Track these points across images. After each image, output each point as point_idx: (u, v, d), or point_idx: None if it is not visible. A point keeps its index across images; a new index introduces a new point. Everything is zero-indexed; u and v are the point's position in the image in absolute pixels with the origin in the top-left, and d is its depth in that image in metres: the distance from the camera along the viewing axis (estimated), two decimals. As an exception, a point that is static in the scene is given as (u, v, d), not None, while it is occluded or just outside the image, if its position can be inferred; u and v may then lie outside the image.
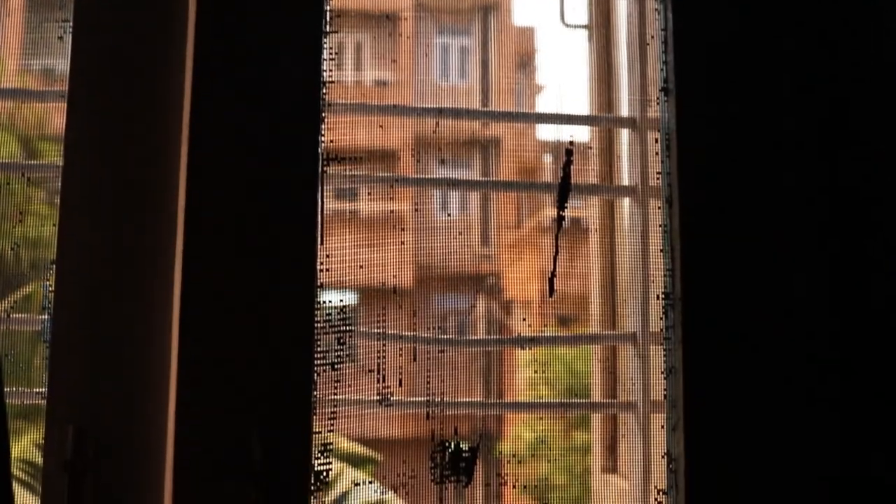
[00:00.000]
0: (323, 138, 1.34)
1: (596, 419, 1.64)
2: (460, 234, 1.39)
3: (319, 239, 1.35)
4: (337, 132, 1.36)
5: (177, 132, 1.35)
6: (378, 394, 1.36)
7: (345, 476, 1.52)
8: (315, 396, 1.33)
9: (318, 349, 1.34)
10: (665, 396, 1.41)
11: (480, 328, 1.51)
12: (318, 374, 1.33)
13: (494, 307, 1.50)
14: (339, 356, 1.34)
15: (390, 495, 1.39)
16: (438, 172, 1.44)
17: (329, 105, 1.38)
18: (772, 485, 1.36)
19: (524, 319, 1.44)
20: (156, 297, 1.33)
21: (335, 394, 1.35)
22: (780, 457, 1.37)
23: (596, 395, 1.58)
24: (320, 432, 1.33)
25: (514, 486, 1.38)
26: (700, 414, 1.38)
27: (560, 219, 1.42)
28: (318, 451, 1.32)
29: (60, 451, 1.27)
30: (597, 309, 1.54)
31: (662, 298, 1.43)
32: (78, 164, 1.33)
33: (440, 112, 1.43)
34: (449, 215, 1.43)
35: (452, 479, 1.36)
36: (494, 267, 1.49)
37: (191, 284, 1.30)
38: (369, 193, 1.40)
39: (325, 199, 1.35)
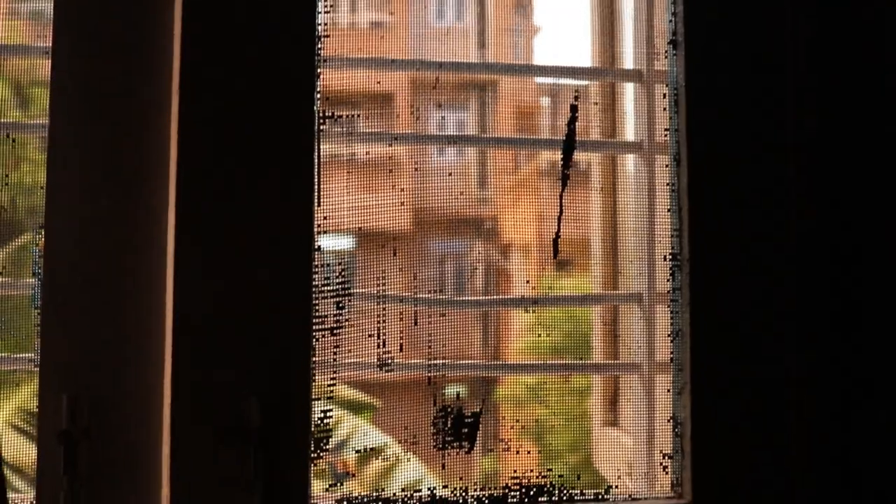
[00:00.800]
0: (320, 85, 1.29)
1: (611, 351, 1.61)
2: (451, 175, 1.35)
3: (316, 200, 1.31)
4: (332, 76, 1.30)
5: (167, 84, 1.30)
6: (378, 358, 1.33)
7: (344, 423, 1.49)
8: (314, 362, 1.29)
9: (317, 314, 1.30)
10: (671, 359, 1.38)
11: (478, 274, 1.47)
12: (317, 340, 1.30)
13: (493, 251, 1.46)
14: (338, 321, 1.31)
15: (390, 440, 1.37)
16: (435, 116, 1.40)
17: (325, 60, 1.32)
18: (779, 451, 1.34)
19: (528, 282, 1.40)
20: (150, 260, 1.29)
21: (335, 359, 1.31)
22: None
23: (598, 355, 1.55)
24: (320, 399, 1.30)
25: (511, 428, 1.36)
26: (707, 377, 1.35)
27: (565, 178, 1.38)
28: (318, 418, 1.29)
29: (55, 420, 1.24)
30: (598, 270, 1.50)
31: (669, 259, 1.39)
32: (64, 120, 1.28)
33: (440, 66, 1.37)
34: (446, 160, 1.38)
35: (455, 444, 1.33)
36: (492, 211, 1.45)
37: (185, 248, 1.26)
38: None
39: (321, 157, 1.30)
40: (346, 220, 1.31)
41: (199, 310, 1.26)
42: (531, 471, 1.34)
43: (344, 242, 1.34)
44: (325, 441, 1.29)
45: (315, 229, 1.30)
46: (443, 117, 1.39)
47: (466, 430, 1.33)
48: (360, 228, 1.32)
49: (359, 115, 1.36)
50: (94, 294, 1.27)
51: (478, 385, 1.41)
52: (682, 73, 1.38)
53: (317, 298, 1.30)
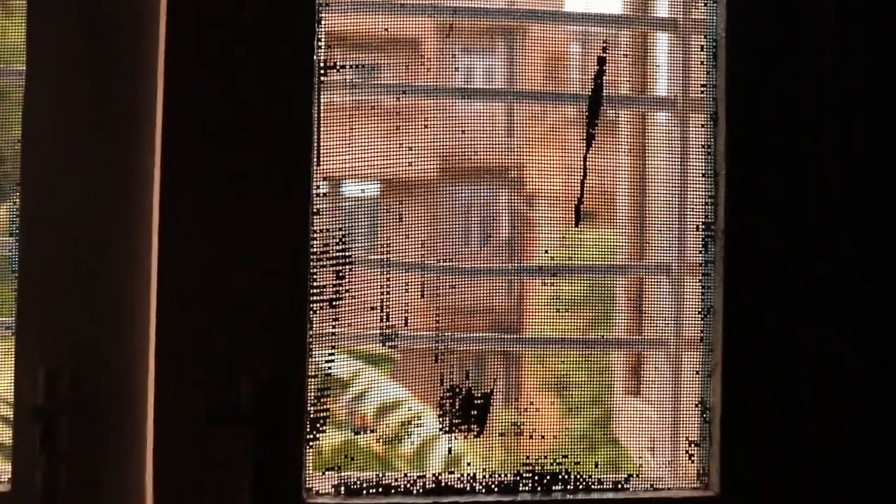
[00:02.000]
0: (321, 32, 1.17)
1: (635, 326, 1.49)
2: (481, 123, 1.23)
3: (316, 160, 1.19)
4: (347, 18, 1.18)
5: (154, 35, 1.18)
6: (381, 333, 1.22)
7: (361, 377, 1.39)
8: (311, 336, 1.19)
9: (315, 284, 1.19)
10: (701, 339, 1.27)
11: (502, 226, 1.35)
12: (315, 312, 1.19)
13: (517, 200, 1.34)
14: (337, 292, 1.20)
15: (407, 394, 1.27)
16: (462, 62, 1.27)
17: (326, 4, 1.19)
18: (822, 446, 1.23)
19: (546, 251, 1.28)
20: (136, 225, 1.18)
21: (334, 332, 1.21)
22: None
23: (620, 326, 1.43)
24: (317, 376, 1.19)
25: (525, 410, 1.26)
26: (741, 360, 1.24)
27: (589, 137, 1.25)
28: (315, 397, 1.19)
29: (32, 394, 1.14)
30: (624, 237, 1.38)
31: (702, 230, 1.27)
32: (41, 68, 1.17)
33: (454, 11, 1.24)
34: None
35: (463, 428, 1.23)
36: (517, 159, 1.33)
37: (170, 215, 1.15)
38: (386, 85, 1.23)
39: (321, 112, 1.18)
40: (364, 168, 1.20)
41: (186, 278, 1.15)
42: (545, 456, 1.24)
43: (360, 190, 1.23)
44: (321, 422, 1.19)
45: (314, 190, 1.19)
46: (456, 67, 1.26)
47: (476, 412, 1.23)
48: (381, 176, 1.21)
49: (371, 64, 1.23)
50: (75, 259, 1.17)
51: (492, 360, 1.30)
52: (723, 23, 1.25)
53: (315, 267, 1.19)
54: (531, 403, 1.25)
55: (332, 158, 1.20)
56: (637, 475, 1.25)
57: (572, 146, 1.25)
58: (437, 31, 1.25)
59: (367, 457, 1.28)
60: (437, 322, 1.22)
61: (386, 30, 1.23)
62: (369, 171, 1.24)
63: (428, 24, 1.25)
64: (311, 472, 1.19)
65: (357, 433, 1.23)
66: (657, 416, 1.31)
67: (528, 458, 1.23)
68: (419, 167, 1.25)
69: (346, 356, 1.25)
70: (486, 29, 1.31)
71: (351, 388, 1.32)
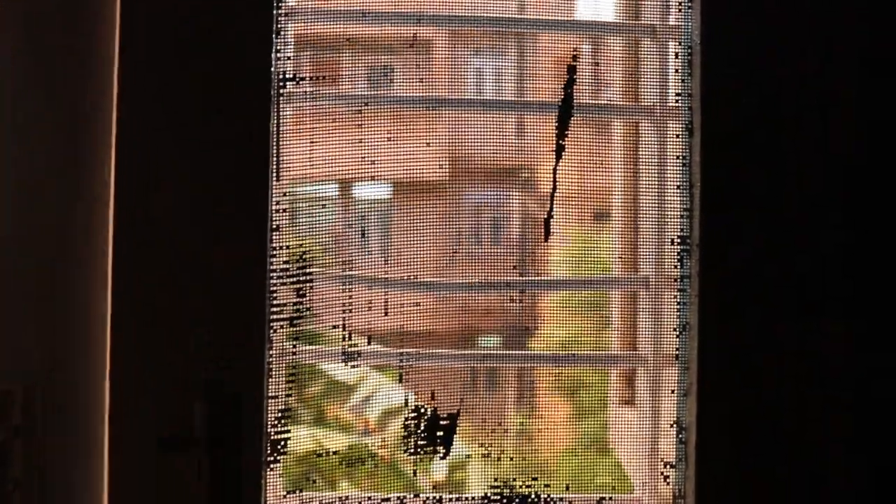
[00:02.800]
0: (278, 42, 1.13)
1: (615, 341, 1.45)
2: (492, 122, 1.19)
3: (275, 172, 1.16)
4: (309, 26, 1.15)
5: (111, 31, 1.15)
6: (343, 352, 1.18)
7: (369, 380, 1.36)
8: (271, 356, 1.15)
9: (275, 302, 1.16)
10: (676, 357, 1.22)
11: (514, 223, 1.31)
12: (275, 332, 1.16)
13: (528, 202, 1.30)
14: (298, 310, 1.16)
15: (414, 397, 1.23)
16: (474, 62, 1.23)
17: (286, 14, 1.16)
18: (794, 465, 1.18)
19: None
20: (92, 241, 1.16)
21: (294, 353, 1.17)
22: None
23: (616, 339, 1.38)
24: (277, 396, 1.16)
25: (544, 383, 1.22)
26: (716, 378, 1.19)
27: (559, 149, 1.21)
28: (275, 418, 1.16)
29: (-19, 416, 1.12)
30: (617, 248, 1.32)
31: (678, 243, 1.22)
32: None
33: (419, 19, 1.20)
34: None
35: (428, 450, 1.19)
36: (529, 160, 1.29)
37: (126, 232, 1.12)
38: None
39: (280, 122, 1.15)
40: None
41: (141, 297, 1.12)
42: (514, 479, 1.20)
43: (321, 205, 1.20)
44: (282, 444, 1.16)
45: (272, 206, 1.15)
46: (421, 78, 1.22)
47: (441, 433, 1.19)
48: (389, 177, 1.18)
49: (331, 75, 1.20)
50: (26, 275, 1.14)
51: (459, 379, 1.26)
52: (698, 29, 1.20)
53: (274, 284, 1.15)
54: (499, 423, 1.21)
55: (291, 171, 1.17)
56: (610, 498, 1.21)
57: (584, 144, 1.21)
58: (399, 40, 1.21)
59: (331, 477, 1.25)
60: (402, 340, 1.19)
61: (347, 39, 1.19)
62: (330, 182, 1.21)
63: (391, 32, 1.21)
64: (271, 494, 1.16)
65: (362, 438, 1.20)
66: (636, 434, 1.26)
67: (495, 479, 1.19)
68: (383, 179, 1.21)
69: (308, 374, 1.21)
70: (451, 37, 1.27)
71: (358, 392, 1.29)
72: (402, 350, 1.19)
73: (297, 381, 1.17)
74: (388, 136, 1.18)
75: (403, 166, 1.21)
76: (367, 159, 1.19)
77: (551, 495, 1.20)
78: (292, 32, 1.19)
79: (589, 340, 1.34)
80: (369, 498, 1.18)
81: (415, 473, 1.20)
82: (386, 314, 1.19)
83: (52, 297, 1.15)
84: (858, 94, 1.18)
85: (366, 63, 1.24)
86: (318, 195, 1.21)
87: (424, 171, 1.22)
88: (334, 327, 1.18)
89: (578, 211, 1.27)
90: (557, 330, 1.30)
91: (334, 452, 1.20)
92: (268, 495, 1.15)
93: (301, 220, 1.19)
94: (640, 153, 1.29)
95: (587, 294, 1.33)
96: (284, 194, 1.16)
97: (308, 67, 1.18)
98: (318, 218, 1.20)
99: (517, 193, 1.28)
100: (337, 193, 1.24)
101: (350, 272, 1.19)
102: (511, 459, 1.20)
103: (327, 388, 1.30)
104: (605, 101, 1.29)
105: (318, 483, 1.19)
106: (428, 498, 1.18)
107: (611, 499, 1.21)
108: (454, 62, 1.24)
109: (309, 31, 1.19)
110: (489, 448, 1.20)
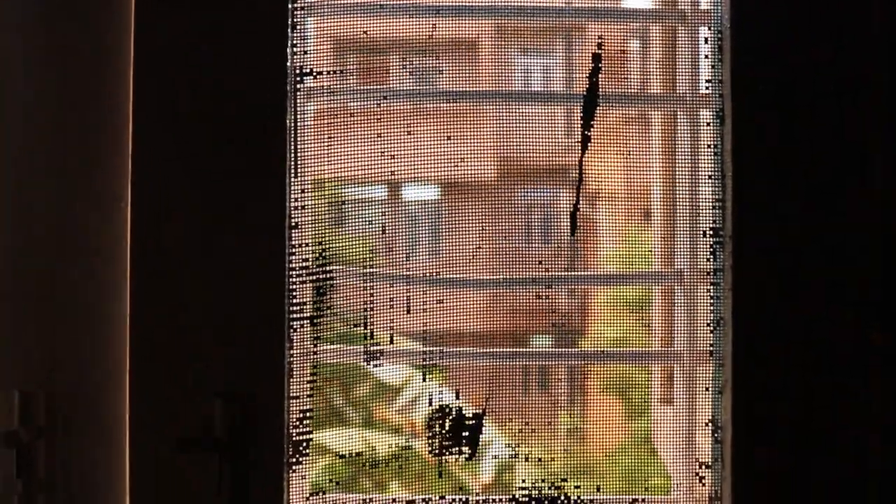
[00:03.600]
0: (295, 37, 1.11)
1: (655, 339, 1.41)
2: (540, 121, 1.16)
3: (294, 171, 1.14)
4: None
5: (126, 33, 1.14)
6: (365, 350, 1.16)
7: (414, 382, 1.34)
8: (291, 355, 1.14)
9: (294, 300, 1.14)
10: (710, 353, 1.18)
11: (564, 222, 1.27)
12: (294, 331, 1.14)
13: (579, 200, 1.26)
14: (318, 309, 1.14)
15: (462, 400, 1.21)
16: (520, 62, 1.21)
17: (301, 7, 1.14)
18: (833, 466, 1.13)
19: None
20: (112, 243, 1.15)
21: (315, 352, 1.15)
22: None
23: (657, 335, 1.34)
24: (299, 397, 1.14)
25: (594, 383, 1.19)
26: (752, 375, 1.15)
27: (585, 140, 1.17)
28: (297, 419, 1.14)
29: (6, 419, 1.12)
30: (657, 241, 1.28)
31: (710, 235, 1.18)
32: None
33: (437, 11, 1.18)
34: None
35: (454, 451, 1.16)
36: (577, 158, 1.25)
37: (145, 233, 1.11)
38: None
39: (297, 118, 1.13)
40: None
41: (160, 297, 1.11)
42: (543, 480, 1.16)
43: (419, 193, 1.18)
44: (304, 445, 1.14)
45: (290, 204, 1.13)
46: (440, 70, 1.19)
47: (467, 433, 1.16)
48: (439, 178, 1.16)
49: (350, 69, 1.18)
50: (51, 279, 1.14)
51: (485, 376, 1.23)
52: (728, 13, 1.15)
53: (293, 283, 1.14)
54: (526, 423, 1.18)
55: (310, 168, 1.15)
56: (643, 499, 1.17)
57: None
58: (417, 32, 1.19)
59: (355, 480, 1.23)
60: (425, 337, 1.16)
61: (365, 32, 1.17)
62: (351, 179, 1.19)
63: (408, 24, 1.18)
64: (294, 496, 1.14)
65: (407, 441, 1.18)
66: (671, 434, 1.22)
67: (523, 480, 1.16)
68: (403, 176, 1.19)
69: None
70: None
71: (403, 394, 1.27)
72: (438, 348, 1.16)
73: (333, 382, 1.15)
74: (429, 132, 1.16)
75: (456, 167, 1.18)
76: (386, 154, 1.17)
77: (580, 498, 1.16)
78: (313, 27, 1.17)
79: (627, 338, 1.30)
80: (394, 500, 1.16)
81: (441, 475, 1.17)
82: (408, 311, 1.16)
83: (74, 301, 1.14)
84: (891, 79, 1.13)
85: (382, 59, 1.21)
86: (352, 194, 1.19)
87: (472, 169, 1.20)
88: (354, 326, 1.16)
89: (617, 206, 1.23)
90: (601, 328, 1.27)
91: (370, 455, 1.18)
92: (290, 496, 1.13)
93: (321, 218, 1.17)
94: (675, 143, 1.25)
95: (625, 290, 1.29)
96: (302, 190, 1.14)
97: (326, 62, 1.16)
98: (355, 216, 1.18)
99: (563, 191, 1.25)
100: (381, 194, 1.22)
101: (385, 270, 1.17)
102: (553, 460, 1.17)
103: (374, 390, 1.28)
104: (636, 91, 1.25)
105: (362, 482, 1.17)
106: (455, 499, 1.15)
107: (643, 500, 1.17)
108: (456, 60, 1.22)
109: (326, 26, 1.17)
110: (531, 448, 1.17)
